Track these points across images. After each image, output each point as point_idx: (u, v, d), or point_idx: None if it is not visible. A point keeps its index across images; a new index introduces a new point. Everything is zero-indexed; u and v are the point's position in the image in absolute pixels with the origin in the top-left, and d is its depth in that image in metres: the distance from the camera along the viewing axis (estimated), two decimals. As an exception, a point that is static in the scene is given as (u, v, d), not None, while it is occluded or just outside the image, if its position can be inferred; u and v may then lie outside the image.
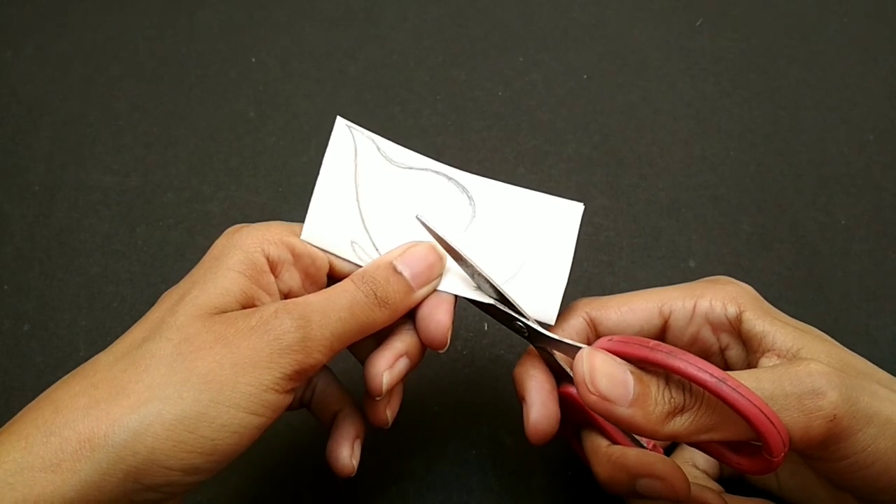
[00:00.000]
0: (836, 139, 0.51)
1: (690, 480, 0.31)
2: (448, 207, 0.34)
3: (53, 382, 0.44)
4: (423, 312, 0.31)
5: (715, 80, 0.53)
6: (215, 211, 0.49)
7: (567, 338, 0.31)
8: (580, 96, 0.53)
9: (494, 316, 0.33)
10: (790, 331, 0.30)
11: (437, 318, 0.31)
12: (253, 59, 0.55)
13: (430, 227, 0.31)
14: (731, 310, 0.31)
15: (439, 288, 0.32)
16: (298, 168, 0.51)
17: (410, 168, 0.34)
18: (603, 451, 0.33)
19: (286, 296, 0.31)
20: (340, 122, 0.34)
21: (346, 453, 0.32)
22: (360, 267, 0.32)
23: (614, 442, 0.33)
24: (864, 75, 0.54)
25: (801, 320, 0.31)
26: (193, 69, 0.55)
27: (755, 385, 0.26)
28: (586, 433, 0.34)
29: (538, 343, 0.32)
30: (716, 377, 0.25)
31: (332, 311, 0.29)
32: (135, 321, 0.46)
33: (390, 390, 0.31)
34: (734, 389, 0.25)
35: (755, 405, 0.25)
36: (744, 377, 0.26)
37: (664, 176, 0.50)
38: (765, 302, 0.32)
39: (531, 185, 0.50)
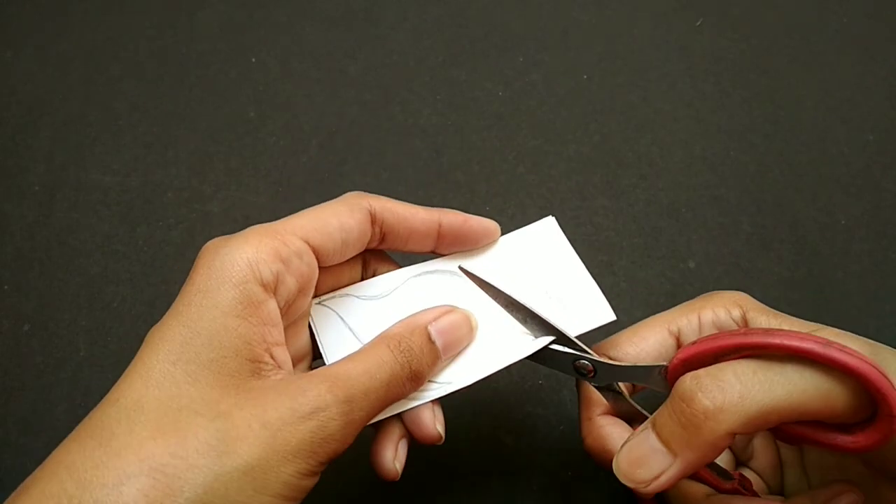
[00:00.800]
0: (836, 139, 0.51)
1: None
2: (447, 294, 0.33)
3: (53, 382, 0.45)
4: (408, 417, 0.30)
5: (715, 80, 0.53)
6: (215, 211, 0.49)
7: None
8: (580, 96, 0.53)
9: (550, 362, 0.31)
10: (796, 323, 0.30)
11: (423, 423, 0.30)
12: (253, 59, 0.55)
13: (476, 275, 0.31)
14: (735, 312, 0.31)
15: (480, 373, 0.31)
16: (298, 168, 0.51)
17: (395, 289, 0.33)
18: (703, 500, 0.31)
19: (286, 308, 0.29)
20: (315, 307, 0.32)
21: (390, 456, 0.31)
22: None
23: (713, 486, 0.32)
24: (864, 75, 0.54)
25: (801, 320, 0.31)
26: (193, 69, 0.55)
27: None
28: (679, 487, 0.33)
29: (606, 381, 0.31)
30: (820, 343, 0.25)
31: (372, 391, 0.27)
32: (135, 321, 0.46)
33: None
34: (842, 351, 0.24)
35: (865, 361, 0.24)
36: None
37: (664, 176, 0.50)
38: (761, 304, 0.32)
39: (531, 185, 0.50)
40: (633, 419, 0.32)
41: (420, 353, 0.29)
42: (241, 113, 0.53)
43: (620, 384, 0.31)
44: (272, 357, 0.27)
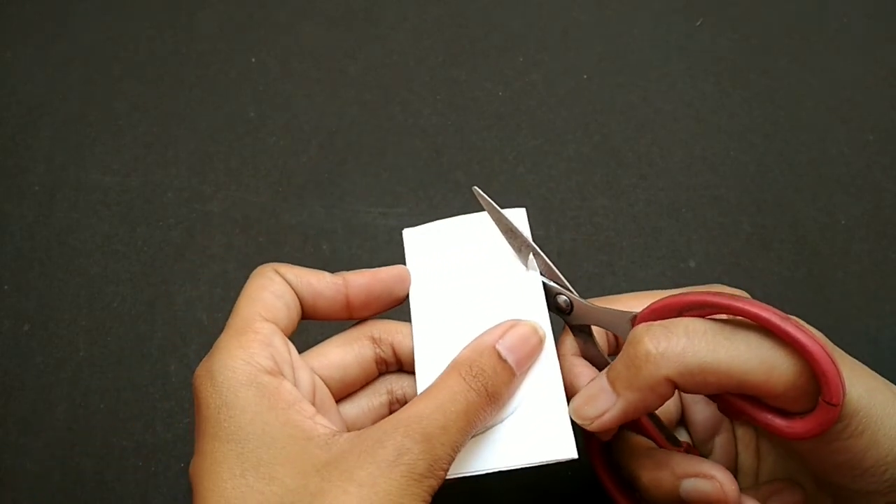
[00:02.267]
0: (836, 139, 0.51)
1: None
2: (456, 316, 0.33)
3: (53, 382, 0.45)
4: None
5: (715, 80, 0.53)
6: (215, 211, 0.49)
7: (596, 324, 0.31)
8: (580, 96, 0.53)
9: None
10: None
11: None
12: (253, 59, 0.55)
13: (487, 198, 0.32)
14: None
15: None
16: (298, 168, 0.51)
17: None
18: (644, 453, 0.32)
19: (295, 377, 0.30)
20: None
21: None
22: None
23: (659, 445, 0.32)
24: (864, 75, 0.54)
25: (801, 320, 0.31)
26: (193, 69, 0.55)
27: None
28: (622, 438, 0.34)
29: (581, 320, 0.32)
30: (779, 316, 0.25)
31: (451, 424, 0.26)
32: (135, 321, 0.46)
33: None
34: (797, 328, 0.25)
35: (818, 344, 0.25)
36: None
37: (664, 176, 0.50)
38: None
39: (531, 185, 0.50)
40: (601, 367, 0.33)
41: (493, 374, 0.28)
42: (241, 113, 0.53)
43: (596, 336, 0.32)
44: (323, 426, 0.27)
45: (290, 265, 0.32)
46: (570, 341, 0.33)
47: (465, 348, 0.29)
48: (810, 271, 0.47)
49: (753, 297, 0.32)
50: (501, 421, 0.30)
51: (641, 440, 0.33)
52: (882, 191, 0.49)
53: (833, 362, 0.25)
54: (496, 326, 0.30)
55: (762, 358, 0.26)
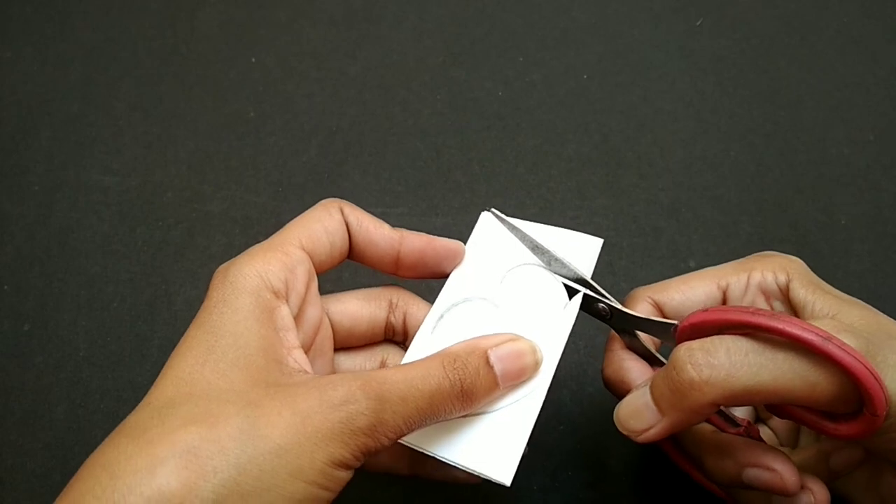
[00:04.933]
0: (836, 139, 0.51)
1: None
2: (470, 318, 0.33)
3: (53, 382, 0.45)
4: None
5: (715, 80, 0.53)
6: (215, 211, 0.49)
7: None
8: (580, 96, 0.53)
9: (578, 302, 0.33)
10: (830, 299, 0.31)
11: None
12: (253, 59, 0.55)
13: (504, 217, 0.32)
14: (781, 278, 0.32)
15: (558, 350, 0.31)
16: (298, 168, 0.51)
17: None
18: (709, 439, 0.33)
19: (298, 315, 0.30)
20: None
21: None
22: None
23: (718, 429, 0.33)
24: (864, 75, 0.54)
25: (841, 295, 0.32)
26: (193, 69, 0.55)
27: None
28: None
29: (622, 326, 0.33)
30: (821, 336, 0.25)
31: (411, 399, 0.27)
32: (135, 321, 0.46)
33: None
34: (840, 348, 0.25)
35: (860, 362, 0.25)
36: None
37: (664, 176, 0.50)
38: (812, 273, 0.33)
39: (531, 185, 0.50)
40: (649, 361, 0.34)
41: (475, 373, 0.28)
42: (241, 113, 0.53)
43: (639, 334, 0.33)
44: (294, 360, 0.28)
45: (356, 207, 0.32)
46: (616, 337, 0.34)
47: (459, 343, 0.30)
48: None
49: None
50: (472, 416, 0.30)
51: (705, 425, 0.34)
52: (882, 191, 0.49)
53: (875, 378, 0.25)
54: (497, 334, 0.30)
55: (804, 376, 0.26)
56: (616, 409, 0.31)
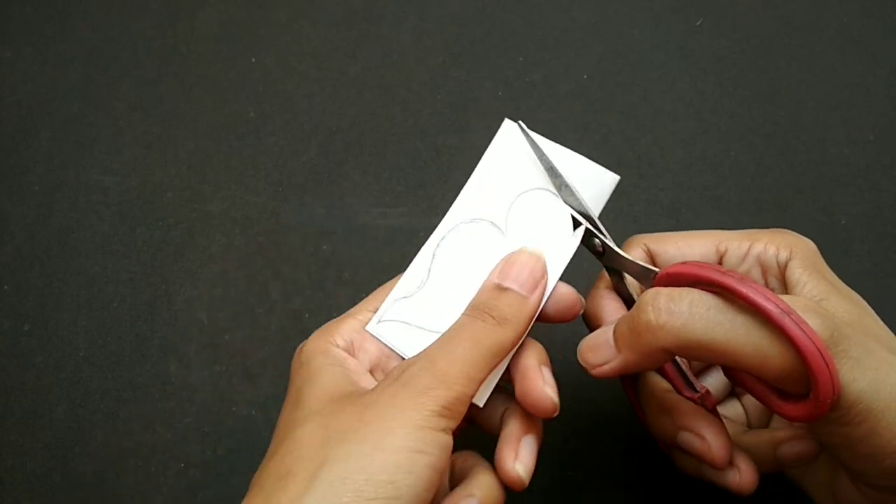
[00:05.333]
0: (836, 139, 0.51)
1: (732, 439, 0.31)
2: (471, 246, 0.34)
3: (53, 382, 0.45)
4: (520, 389, 0.31)
5: (715, 80, 0.53)
6: (215, 211, 0.49)
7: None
8: (580, 96, 0.53)
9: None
10: (823, 285, 0.30)
11: (537, 389, 0.31)
12: (253, 59, 0.55)
13: (527, 131, 0.33)
14: (783, 255, 0.32)
15: (556, 274, 0.32)
16: (298, 168, 0.51)
17: (429, 269, 0.34)
18: (657, 395, 0.33)
19: (373, 368, 0.32)
20: (376, 327, 0.33)
21: (510, 460, 0.31)
22: None
23: (675, 389, 0.33)
24: (864, 75, 0.54)
25: (839, 284, 0.32)
26: (193, 69, 0.55)
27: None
28: (647, 374, 0.35)
29: (611, 265, 0.33)
30: (781, 308, 0.25)
31: (454, 346, 0.29)
32: (135, 321, 0.46)
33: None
34: (796, 324, 0.25)
35: (814, 344, 0.25)
36: None
37: (664, 176, 0.50)
38: (818, 257, 0.32)
39: (531, 185, 0.50)
40: (629, 304, 0.34)
41: (495, 300, 0.30)
42: (241, 113, 0.53)
43: (627, 278, 0.34)
44: (367, 384, 0.31)
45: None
46: (604, 276, 0.35)
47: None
48: (810, 271, 0.46)
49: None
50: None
51: (661, 381, 0.34)
52: (882, 191, 0.49)
53: (826, 363, 0.25)
54: (494, 268, 0.32)
55: (757, 344, 0.26)
56: (581, 342, 0.31)
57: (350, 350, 0.32)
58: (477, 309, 0.30)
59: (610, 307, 0.34)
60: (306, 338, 0.34)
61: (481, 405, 0.31)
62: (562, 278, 0.33)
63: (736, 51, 0.55)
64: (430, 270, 0.34)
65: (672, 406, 0.32)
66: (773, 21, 0.56)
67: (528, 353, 0.31)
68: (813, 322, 0.25)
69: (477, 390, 0.29)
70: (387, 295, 0.34)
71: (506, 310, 0.30)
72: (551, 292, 0.32)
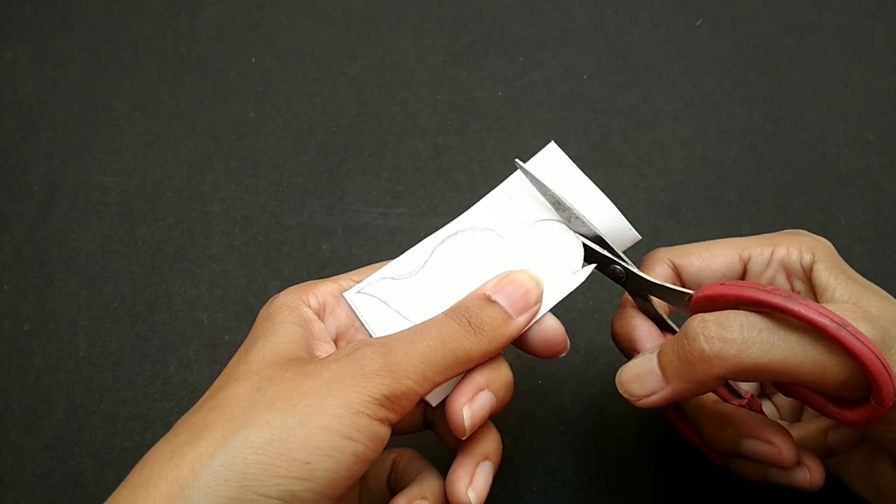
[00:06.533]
0: (836, 139, 0.51)
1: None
2: (480, 252, 0.33)
3: (53, 382, 0.45)
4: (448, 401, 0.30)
5: (715, 80, 0.53)
6: (215, 211, 0.49)
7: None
8: (580, 96, 0.53)
9: (590, 259, 0.33)
10: (852, 285, 0.30)
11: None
12: (253, 59, 0.55)
13: (531, 171, 0.32)
14: (807, 258, 0.32)
15: (551, 303, 0.31)
16: (298, 168, 0.51)
17: (425, 262, 0.33)
18: (710, 408, 0.33)
19: (338, 336, 0.32)
20: (351, 296, 0.33)
21: (463, 485, 0.29)
22: None
23: (722, 399, 0.33)
24: (864, 75, 0.54)
25: (863, 281, 0.31)
26: (193, 69, 0.55)
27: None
28: None
29: (636, 290, 0.32)
30: (836, 322, 0.25)
31: (419, 340, 0.28)
32: (135, 321, 0.46)
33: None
34: (853, 336, 0.25)
35: (873, 352, 0.25)
36: None
37: (664, 176, 0.50)
38: (838, 257, 0.32)
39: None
40: (660, 325, 0.34)
41: (479, 309, 0.29)
42: (241, 113, 0.53)
43: (652, 299, 0.33)
44: (325, 351, 0.30)
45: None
46: (628, 298, 0.34)
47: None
48: (810, 271, 0.47)
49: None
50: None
51: (708, 394, 0.34)
52: (882, 191, 0.49)
53: (886, 369, 0.25)
54: (489, 280, 0.31)
55: (815, 360, 0.26)
56: (620, 372, 0.31)
57: (320, 313, 0.31)
58: (457, 312, 0.29)
59: (642, 330, 0.33)
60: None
61: (433, 404, 0.30)
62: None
63: (736, 51, 0.55)
64: (426, 262, 0.33)
65: (729, 417, 0.32)
66: (773, 21, 0.56)
67: (482, 373, 0.30)
68: (865, 329, 0.26)
69: (430, 391, 0.28)
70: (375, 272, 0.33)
71: (486, 321, 0.29)
72: (538, 320, 0.31)
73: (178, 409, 0.44)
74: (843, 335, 0.25)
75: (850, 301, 0.30)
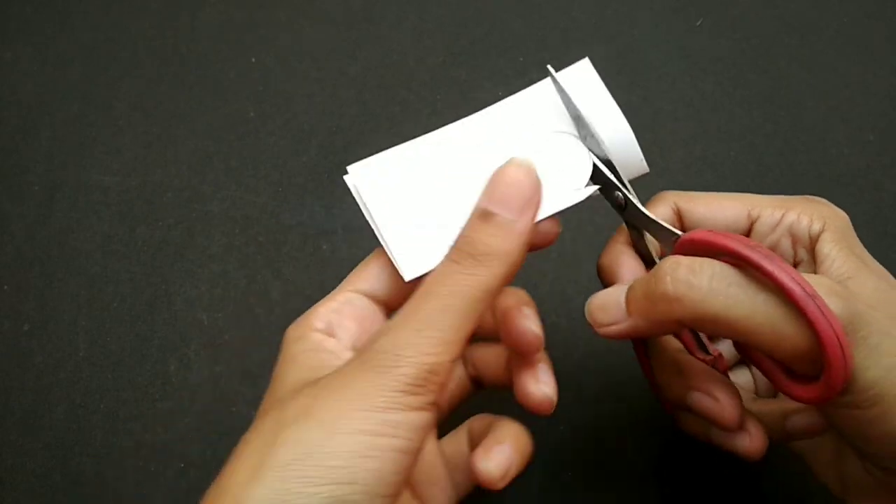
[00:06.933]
0: (836, 139, 0.51)
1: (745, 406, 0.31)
2: (480, 152, 0.33)
3: (53, 382, 0.45)
4: (504, 331, 0.30)
5: (715, 80, 0.53)
6: (215, 211, 0.49)
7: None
8: (580, 96, 0.53)
9: (596, 180, 0.32)
10: (853, 260, 0.29)
11: (522, 327, 0.29)
12: (253, 59, 0.55)
13: (559, 81, 0.32)
14: (816, 226, 0.31)
15: (547, 212, 0.30)
16: (298, 168, 0.51)
17: (436, 149, 0.33)
18: (669, 354, 0.33)
19: (352, 347, 0.31)
20: (354, 169, 0.33)
21: (533, 384, 0.30)
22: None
23: (688, 350, 0.33)
24: (864, 75, 0.54)
25: (871, 262, 0.31)
26: (193, 69, 0.55)
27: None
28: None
29: (633, 222, 0.32)
30: (806, 292, 0.25)
31: (420, 305, 0.26)
32: (135, 321, 0.46)
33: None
34: (819, 309, 0.24)
35: (833, 330, 0.24)
36: None
37: (664, 176, 0.50)
38: (851, 231, 0.31)
39: (531, 185, 0.50)
40: (648, 264, 0.33)
41: (477, 233, 0.26)
42: (241, 113, 0.53)
43: (647, 235, 0.33)
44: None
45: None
46: (623, 230, 0.34)
47: None
48: (810, 271, 0.46)
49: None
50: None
51: (673, 341, 0.33)
52: (882, 191, 0.49)
53: (842, 348, 0.24)
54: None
55: (776, 325, 0.25)
56: (590, 298, 0.30)
57: (329, 331, 0.30)
58: (457, 250, 0.26)
59: (628, 265, 0.32)
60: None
61: (406, 279, 0.30)
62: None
63: (736, 51, 0.55)
64: (433, 151, 0.33)
65: (685, 366, 0.32)
66: (773, 21, 0.56)
67: (507, 296, 0.30)
68: (834, 305, 0.25)
69: (460, 350, 0.26)
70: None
71: (490, 242, 0.26)
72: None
73: (178, 409, 0.44)
74: (808, 304, 0.24)
75: (845, 276, 0.29)
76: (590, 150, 0.32)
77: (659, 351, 0.34)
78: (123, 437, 0.43)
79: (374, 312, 0.32)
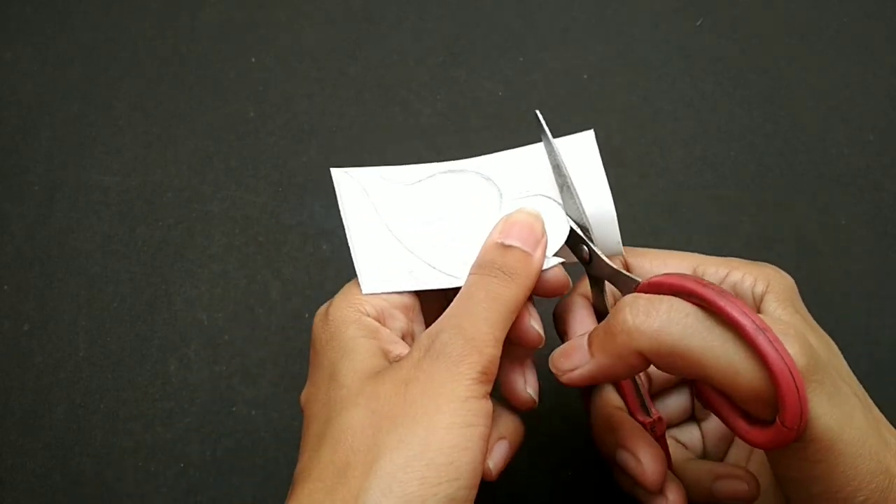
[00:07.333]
0: (836, 139, 0.51)
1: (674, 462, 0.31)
2: (473, 196, 0.34)
3: (53, 382, 0.45)
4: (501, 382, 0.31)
5: (715, 80, 0.53)
6: (215, 211, 0.50)
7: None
8: (580, 96, 0.53)
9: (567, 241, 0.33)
10: (797, 319, 0.30)
11: (513, 388, 0.31)
12: (253, 59, 0.55)
13: (544, 124, 0.33)
14: (760, 287, 0.32)
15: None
16: (298, 168, 0.51)
17: (419, 181, 0.34)
18: (607, 410, 0.33)
19: (404, 336, 0.32)
20: (337, 172, 0.34)
21: (521, 384, 0.31)
22: (425, 290, 0.32)
23: (629, 409, 0.33)
24: (864, 75, 0.54)
25: (813, 327, 0.31)
26: (193, 69, 0.55)
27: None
28: (602, 388, 0.35)
29: (596, 274, 0.33)
30: (757, 325, 0.25)
31: (474, 308, 0.29)
32: (135, 321, 0.46)
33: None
34: (770, 343, 0.24)
35: (786, 365, 0.24)
36: None
37: (664, 176, 0.50)
38: (796, 294, 0.32)
39: (531, 185, 0.50)
40: (602, 318, 0.34)
41: (501, 257, 0.30)
42: (241, 113, 0.53)
43: (608, 291, 0.34)
44: (398, 352, 0.31)
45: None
46: (585, 286, 0.35)
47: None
48: (810, 271, 0.47)
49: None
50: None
51: (615, 397, 0.34)
52: (882, 191, 0.49)
53: (796, 388, 0.24)
54: (494, 228, 0.31)
55: (730, 359, 0.26)
56: (554, 351, 0.31)
57: (381, 319, 0.31)
58: (485, 267, 0.30)
59: (580, 313, 0.34)
60: (307, 337, 0.33)
61: (364, 293, 0.32)
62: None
63: (736, 51, 0.55)
64: (420, 181, 0.34)
65: (616, 424, 0.32)
66: (773, 21, 0.56)
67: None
68: (791, 346, 0.25)
69: (500, 350, 0.29)
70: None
71: (514, 264, 0.30)
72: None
73: (178, 409, 0.44)
74: (760, 339, 0.24)
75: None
76: (565, 209, 0.33)
77: (599, 405, 0.34)
78: (123, 437, 0.43)
79: (416, 305, 0.33)
